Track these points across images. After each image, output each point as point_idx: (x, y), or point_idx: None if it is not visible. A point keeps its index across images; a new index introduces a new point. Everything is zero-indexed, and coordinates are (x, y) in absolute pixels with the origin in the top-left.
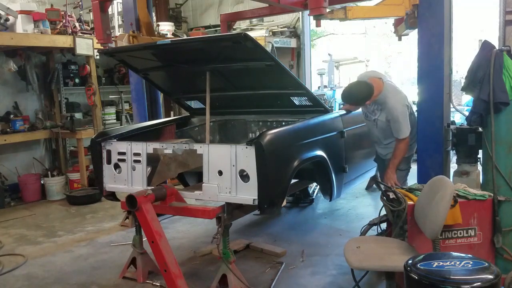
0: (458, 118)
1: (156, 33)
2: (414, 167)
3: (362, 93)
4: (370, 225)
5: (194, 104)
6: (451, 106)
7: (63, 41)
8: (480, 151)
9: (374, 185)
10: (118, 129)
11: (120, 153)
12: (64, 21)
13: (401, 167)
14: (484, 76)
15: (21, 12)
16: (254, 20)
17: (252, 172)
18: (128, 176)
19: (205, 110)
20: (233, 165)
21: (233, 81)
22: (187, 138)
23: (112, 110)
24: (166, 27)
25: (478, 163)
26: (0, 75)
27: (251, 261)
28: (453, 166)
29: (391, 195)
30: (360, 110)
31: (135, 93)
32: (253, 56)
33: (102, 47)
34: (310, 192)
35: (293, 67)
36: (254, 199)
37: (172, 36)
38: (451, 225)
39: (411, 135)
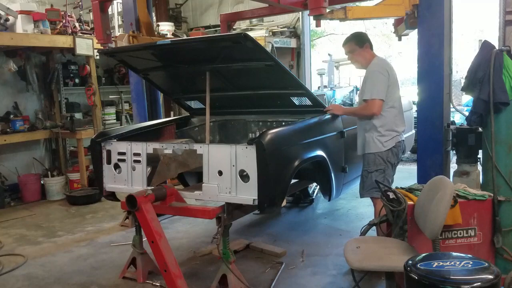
0: (458, 118)
1: (156, 33)
2: (414, 167)
3: (351, 35)
4: (370, 225)
5: (194, 104)
6: (451, 106)
7: (63, 41)
8: (480, 151)
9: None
10: (118, 129)
11: (120, 153)
12: (64, 21)
13: (370, 167)
14: (484, 76)
15: (21, 12)
16: (254, 20)
17: (252, 172)
18: (128, 176)
19: (205, 110)
20: (233, 165)
21: (233, 81)
22: (187, 138)
23: (112, 110)
24: (166, 27)
25: (478, 163)
26: (0, 75)
27: (251, 261)
28: (453, 166)
29: (391, 195)
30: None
31: (135, 93)
32: (253, 56)
33: (102, 47)
34: (310, 192)
35: (293, 67)
36: (254, 199)
37: (172, 36)
38: (451, 225)
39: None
